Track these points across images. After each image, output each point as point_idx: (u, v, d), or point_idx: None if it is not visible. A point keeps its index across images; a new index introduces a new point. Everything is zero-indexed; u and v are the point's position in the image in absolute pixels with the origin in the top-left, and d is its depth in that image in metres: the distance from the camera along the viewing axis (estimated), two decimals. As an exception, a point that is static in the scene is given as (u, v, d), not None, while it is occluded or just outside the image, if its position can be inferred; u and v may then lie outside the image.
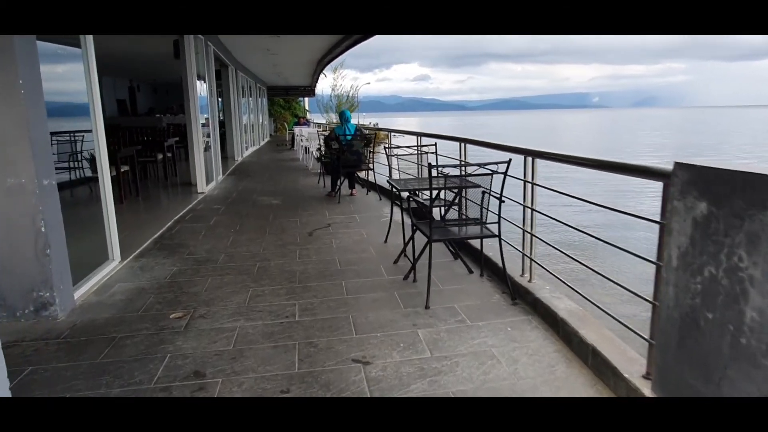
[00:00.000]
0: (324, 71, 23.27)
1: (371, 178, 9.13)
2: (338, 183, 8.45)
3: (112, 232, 4.84)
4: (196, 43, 9.00)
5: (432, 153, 6.45)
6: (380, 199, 8.11)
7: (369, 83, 55.06)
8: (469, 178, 4.26)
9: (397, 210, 6.42)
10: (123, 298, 4.00)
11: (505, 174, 3.86)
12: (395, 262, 4.77)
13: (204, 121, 10.03)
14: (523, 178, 3.81)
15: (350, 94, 38.10)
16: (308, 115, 33.58)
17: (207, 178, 9.56)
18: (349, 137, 8.14)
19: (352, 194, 8.61)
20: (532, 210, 3.80)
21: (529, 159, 3.75)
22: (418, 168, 7.29)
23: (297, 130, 17.20)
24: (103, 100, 18.16)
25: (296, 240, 5.75)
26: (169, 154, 11.24)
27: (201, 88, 9.64)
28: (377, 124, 45.92)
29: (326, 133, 10.21)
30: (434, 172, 4.20)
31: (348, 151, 8.12)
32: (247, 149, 17.66)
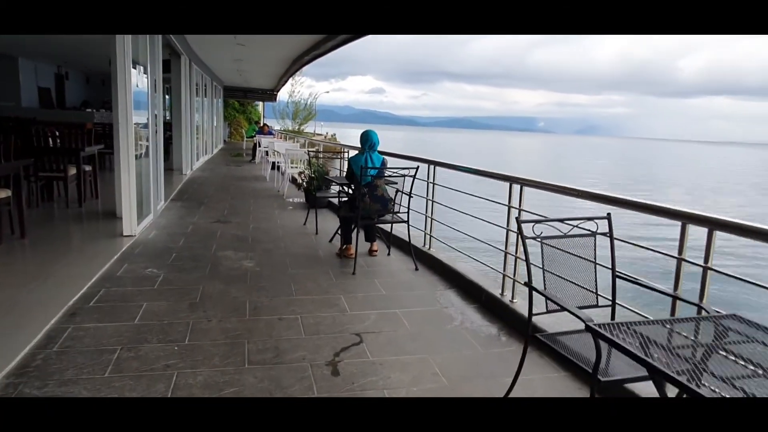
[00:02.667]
0: (294, 74, 20.20)
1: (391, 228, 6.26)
2: (352, 234, 5.52)
3: None
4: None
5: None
6: (417, 269, 5.23)
7: (328, 92, 52.02)
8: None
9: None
10: None
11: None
12: None
13: (144, 122, 6.88)
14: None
15: (308, 102, 35.08)
16: (263, 121, 30.12)
17: (140, 208, 6.39)
18: (372, 173, 5.23)
19: (371, 252, 5.69)
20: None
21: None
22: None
23: (264, 142, 13.98)
24: (18, 85, 13.74)
25: (310, 388, 2.79)
26: (88, 167, 7.92)
27: (140, 79, 6.50)
28: (335, 135, 42.87)
29: (311, 151, 7.23)
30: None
31: (371, 195, 5.21)
32: (197, 159, 14.32)
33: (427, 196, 5.61)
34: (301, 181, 9.13)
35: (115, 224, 6.17)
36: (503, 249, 4.20)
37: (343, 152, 7.81)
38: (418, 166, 5.32)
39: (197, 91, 14.24)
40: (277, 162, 11.35)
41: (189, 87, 12.55)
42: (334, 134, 42.79)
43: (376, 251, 5.68)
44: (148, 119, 6.97)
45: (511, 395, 2.77)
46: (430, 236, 5.58)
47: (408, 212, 5.31)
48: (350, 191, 5.77)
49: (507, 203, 4.17)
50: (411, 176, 5.15)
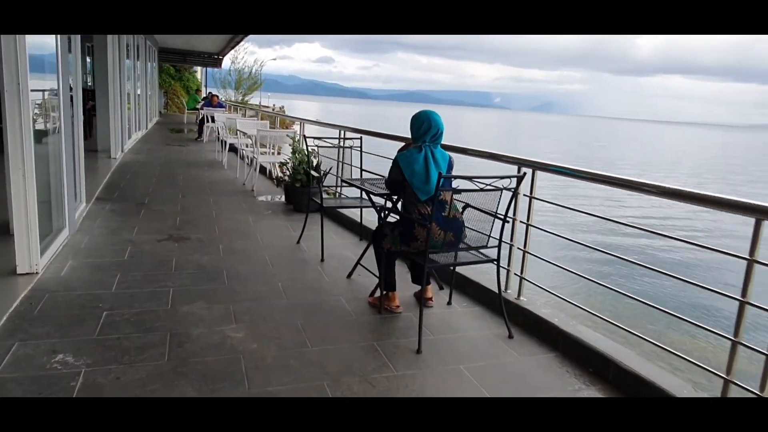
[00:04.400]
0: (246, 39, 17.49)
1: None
2: (387, 274, 3.50)
3: None
4: None
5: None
6: (511, 336, 3.28)
7: (275, 59, 48.19)
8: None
9: None
10: None
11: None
12: None
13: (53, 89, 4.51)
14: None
15: (253, 70, 31.85)
16: (206, 90, 26.78)
17: (48, 221, 4.09)
18: (433, 183, 3.24)
19: (425, 301, 3.68)
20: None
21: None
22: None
23: (219, 117, 11.40)
24: None
25: None
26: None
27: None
28: (283, 107, 39.70)
29: (309, 138, 5.08)
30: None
31: (439, 220, 3.19)
32: (129, 137, 11.60)
33: (514, 214, 3.51)
34: (281, 175, 6.90)
35: (6, 251, 3.83)
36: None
37: (343, 140, 5.69)
38: (524, 173, 3.33)
39: (128, 52, 11.47)
40: (241, 147, 8.94)
41: (118, 47, 9.85)
42: (282, 106, 39.63)
43: (431, 300, 3.69)
44: (58, 85, 4.56)
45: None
46: (523, 279, 3.62)
47: (499, 246, 3.31)
48: (396, 207, 3.74)
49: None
50: (510, 188, 3.16)
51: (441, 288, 3.99)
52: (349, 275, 4.17)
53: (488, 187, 3.07)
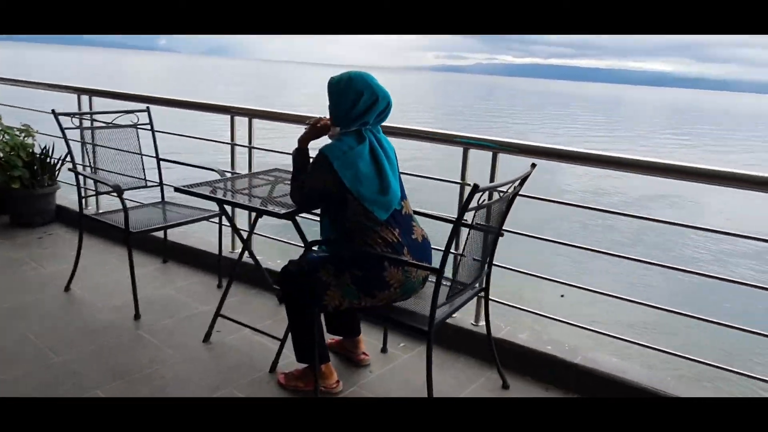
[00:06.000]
0: None
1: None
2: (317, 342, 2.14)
3: None
4: None
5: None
6: (506, 385, 2.33)
7: None
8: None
9: None
10: None
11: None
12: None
13: None
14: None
15: None
16: None
17: None
18: (394, 190, 2.01)
19: (361, 359, 2.43)
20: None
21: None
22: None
23: None
24: None
25: None
26: None
27: None
28: None
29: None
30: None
31: (411, 247, 1.99)
32: None
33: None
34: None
35: None
36: None
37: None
38: (533, 167, 2.26)
39: None
40: None
41: None
42: None
43: (366, 355, 2.48)
44: None
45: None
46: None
47: (490, 267, 2.24)
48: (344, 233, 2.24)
49: None
50: (514, 192, 2.11)
51: (281, 301, 2.89)
52: (207, 338, 2.57)
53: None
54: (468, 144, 2.50)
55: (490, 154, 2.49)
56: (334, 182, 1.94)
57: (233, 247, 3.40)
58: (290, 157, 2.20)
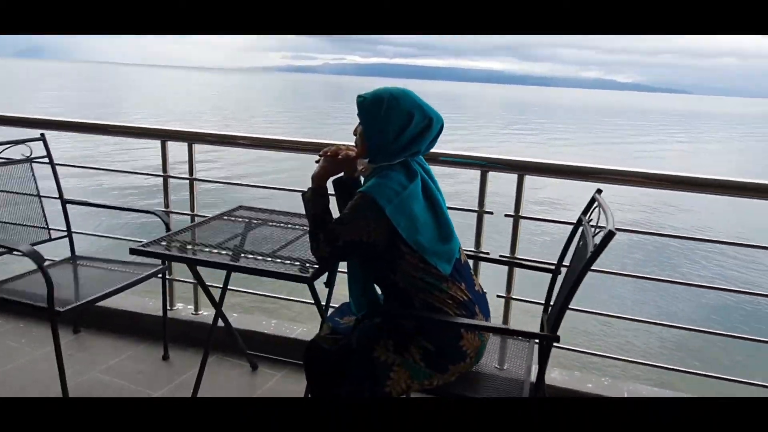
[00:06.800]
0: None
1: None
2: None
3: None
4: None
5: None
6: None
7: None
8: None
9: None
10: None
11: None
12: None
13: None
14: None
15: None
16: None
17: None
18: (454, 236, 1.66)
19: None
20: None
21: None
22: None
23: None
24: None
25: None
26: None
27: None
28: None
29: None
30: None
31: (480, 304, 1.66)
32: None
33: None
34: None
35: None
36: None
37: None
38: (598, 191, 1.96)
39: None
40: None
41: None
42: None
43: None
44: None
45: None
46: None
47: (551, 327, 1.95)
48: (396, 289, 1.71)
49: None
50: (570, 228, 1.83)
51: (254, 367, 2.42)
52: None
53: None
54: (486, 167, 2.19)
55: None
56: (385, 232, 1.52)
57: (172, 305, 2.72)
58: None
